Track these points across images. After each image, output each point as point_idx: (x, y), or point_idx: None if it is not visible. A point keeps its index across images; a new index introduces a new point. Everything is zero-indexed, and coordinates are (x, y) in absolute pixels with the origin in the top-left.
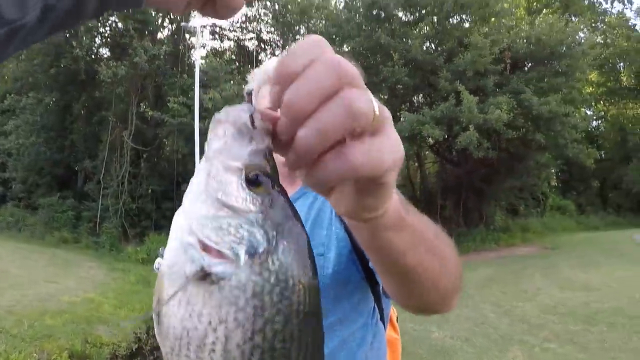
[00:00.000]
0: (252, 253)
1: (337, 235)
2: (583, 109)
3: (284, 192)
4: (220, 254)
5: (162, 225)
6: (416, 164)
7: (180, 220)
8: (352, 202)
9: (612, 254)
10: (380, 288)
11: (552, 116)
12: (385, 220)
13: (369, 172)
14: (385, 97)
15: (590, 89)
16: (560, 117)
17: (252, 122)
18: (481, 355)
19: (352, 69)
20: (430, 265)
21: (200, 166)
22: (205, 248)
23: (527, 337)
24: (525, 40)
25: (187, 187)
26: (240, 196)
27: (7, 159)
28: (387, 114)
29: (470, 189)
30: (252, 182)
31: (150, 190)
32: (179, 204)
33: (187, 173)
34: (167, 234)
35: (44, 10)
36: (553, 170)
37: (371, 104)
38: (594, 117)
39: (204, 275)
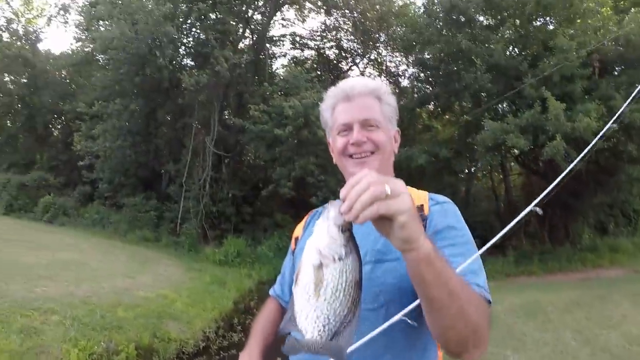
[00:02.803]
0: (339, 258)
1: None
2: None
3: (353, 236)
4: (329, 257)
5: (241, 228)
6: (500, 176)
7: (311, 244)
8: (396, 236)
9: None
10: None
11: None
12: (420, 255)
13: (384, 213)
14: (469, 105)
15: None
16: None
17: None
18: None
19: (375, 184)
20: (450, 303)
21: (322, 220)
22: (321, 254)
23: None
24: (613, 43)
25: (266, 192)
26: (337, 235)
27: (95, 161)
28: (402, 188)
29: (557, 203)
30: (343, 230)
31: (230, 195)
32: (260, 208)
33: (267, 179)
34: (246, 237)
35: None
36: None
37: (383, 189)
38: None
39: (321, 265)
